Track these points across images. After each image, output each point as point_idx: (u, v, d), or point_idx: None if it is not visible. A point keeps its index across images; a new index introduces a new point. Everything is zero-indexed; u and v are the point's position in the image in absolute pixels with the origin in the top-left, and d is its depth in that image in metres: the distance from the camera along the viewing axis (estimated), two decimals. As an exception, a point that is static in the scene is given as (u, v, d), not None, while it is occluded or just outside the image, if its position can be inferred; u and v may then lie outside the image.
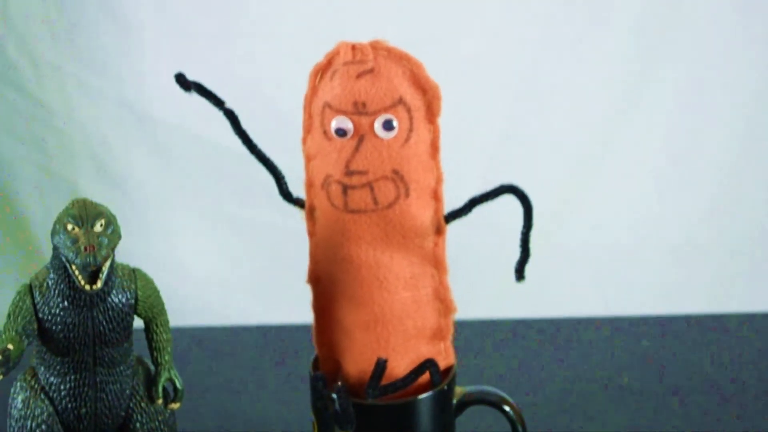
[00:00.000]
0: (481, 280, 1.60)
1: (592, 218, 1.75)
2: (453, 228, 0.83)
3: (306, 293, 0.87)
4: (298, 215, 0.87)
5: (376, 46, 0.79)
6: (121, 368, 0.83)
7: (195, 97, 0.85)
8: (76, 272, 0.77)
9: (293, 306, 1.55)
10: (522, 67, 1.71)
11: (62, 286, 0.79)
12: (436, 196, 0.81)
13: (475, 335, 1.21)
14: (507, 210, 0.86)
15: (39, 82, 1.71)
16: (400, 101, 0.78)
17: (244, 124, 0.84)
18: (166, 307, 0.84)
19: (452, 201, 0.83)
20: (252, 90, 1.64)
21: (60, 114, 1.73)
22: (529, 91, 1.72)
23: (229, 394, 1.12)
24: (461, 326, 0.86)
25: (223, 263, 1.79)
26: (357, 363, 0.83)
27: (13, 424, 0.83)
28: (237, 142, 1.58)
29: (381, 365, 0.79)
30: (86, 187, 1.76)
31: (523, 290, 0.86)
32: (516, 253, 0.81)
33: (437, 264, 0.82)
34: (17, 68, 1.70)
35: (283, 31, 1.69)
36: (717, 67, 1.72)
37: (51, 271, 0.79)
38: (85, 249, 0.76)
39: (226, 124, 0.86)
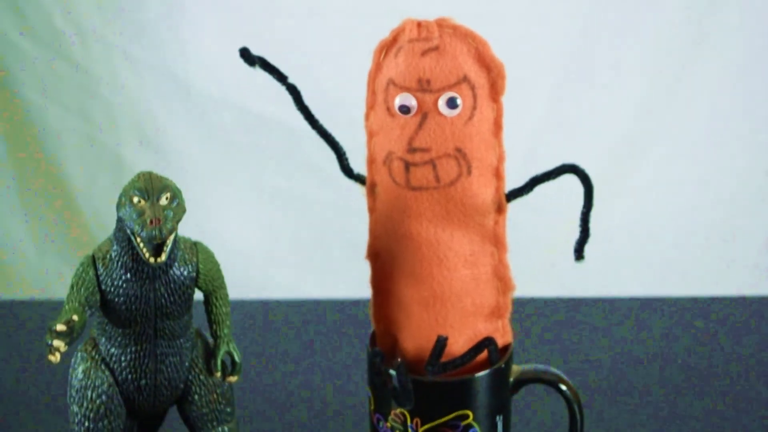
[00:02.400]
0: (536, 258, 1.60)
1: (637, 198, 1.75)
2: (511, 206, 0.84)
3: (350, 267, 0.87)
4: (341, 188, 0.87)
5: (441, 24, 0.79)
6: (181, 341, 0.83)
7: (238, 69, 0.85)
8: (141, 245, 0.77)
9: (337, 280, 1.57)
10: (565, 48, 1.71)
11: (125, 258, 0.79)
12: (498, 175, 0.81)
13: (532, 313, 1.21)
14: (562, 189, 0.87)
15: (85, 52, 1.72)
16: (465, 79, 0.78)
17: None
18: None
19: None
20: (296, 63, 1.64)
21: (105, 84, 1.74)
22: (572, 73, 1.71)
23: (283, 368, 1.12)
24: (517, 304, 0.86)
25: (266, 235, 1.79)
26: (415, 339, 0.83)
27: (74, 393, 0.84)
28: (280, 113, 1.59)
29: (441, 343, 0.80)
30: (129, 156, 1.77)
31: (578, 269, 0.86)
32: (569, 231, 0.81)
33: (497, 242, 0.83)
34: (64, 38, 1.71)
35: (330, 4, 1.69)
36: (762, 55, 1.71)
37: (114, 243, 0.80)
38: (151, 222, 0.76)
39: (269, 95, 0.87)
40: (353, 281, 1.02)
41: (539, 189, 0.82)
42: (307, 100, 0.84)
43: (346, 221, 1.61)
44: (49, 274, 1.79)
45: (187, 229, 0.86)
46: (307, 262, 1.79)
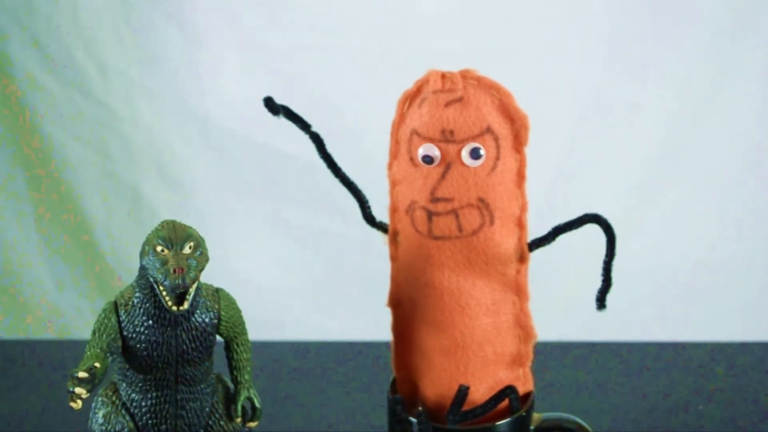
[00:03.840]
0: (555, 302, 1.60)
1: (657, 239, 1.75)
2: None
3: (371, 306, 0.87)
4: (362, 225, 0.88)
5: (465, 75, 0.79)
6: (202, 386, 0.83)
7: (257, 105, 0.85)
8: (164, 293, 0.78)
9: (357, 319, 1.57)
10: (585, 86, 1.71)
11: (148, 305, 0.79)
12: (521, 224, 0.82)
13: (551, 358, 1.20)
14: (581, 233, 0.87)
15: (105, 86, 1.73)
16: (488, 130, 0.79)
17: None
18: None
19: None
20: (316, 99, 1.65)
21: (125, 119, 1.74)
22: (592, 111, 1.71)
23: (302, 412, 1.12)
24: (539, 348, 0.86)
25: (284, 273, 1.79)
26: (435, 387, 0.83)
27: (94, 438, 0.84)
28: (299, 149, 1.60)
29: (463, 392, 0.80)
30: (148, 191, 1.77)
31: (598, 313, 0.86)
32: (585, 272, 0.81)
33: (519, 291, 0.83)
34: (85, 73, 1.72)
35: (350, 44, 1.70)
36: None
37: (137, 290, 0.80)
38: (174, 271, 0.76)
39: (288, 131, 0.87)
40: (373, 320, 1.02)
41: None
42: (327, 136, 0.84)
43: (367, 259, 1.60)
44: (68, 310, 1.79)
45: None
46: (326, 300, 1.78)
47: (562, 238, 0.85)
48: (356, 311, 1.63)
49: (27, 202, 1.78)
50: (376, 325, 1.00)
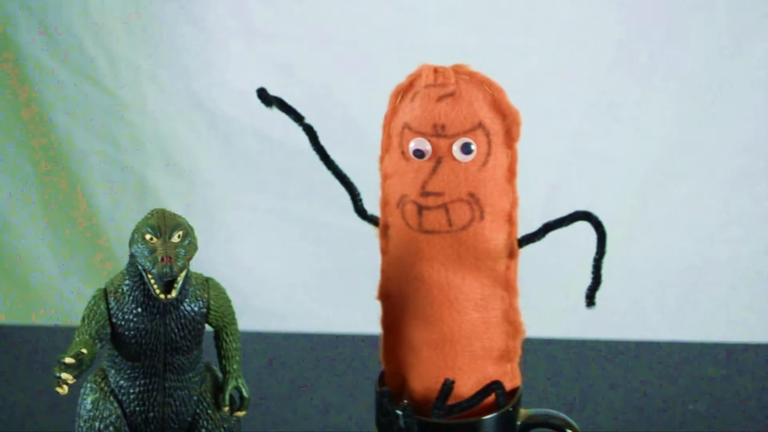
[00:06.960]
0: (547, 299, 1.60)
1: (659, 239, 1.74)
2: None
3: (369, 297, 0.88)
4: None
5: (458, 70, 0.79)
6: (190, 375, 0.84)
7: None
8: (152, 281, 0.78)
9: (360, 311, 1.57)
10: (590, 85, 1.70)
11: (137, 293, 0.80)
12: (511, 220, 0.82)
13: (541, 355, 1.20)
14: (576, 231, 0.86)
15: (113, 75, 1.73)
16: (480, 125, 0.79)
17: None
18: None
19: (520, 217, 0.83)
20: (318, 94, 1.65)
21: (133, 108, 1.75)
22: (598, 110, 1.71)
23: (293, 403, 1.13)
24: (531, 345, 0.86)
25: (288, 263, 1.79)
26: (423, 380, 0.83)
27: (82, 424, 0.84)
28: (305, 141, 1.60)
29: (448, 386, 0.80)
30: (154, 180, 1.77)
31: (589, 311, 0.86)
32: (581, 270, 0.81)
33: (508, 287, 0.83)
34: (94, 62, 1.72)
35: (355, 38, 1.70)
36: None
37: (127, 277, 0.80)
38: (162, 259, 0.76)
39: (294, 123, 0.87)
40: (375, 313, 1.02)
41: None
42: (331, 128, 0.84)
43: (371, 251, 1.60)
44: (72, 297, 1.80)
45: (210, 254, 0.86)
46: (330, 292, 1.78)
47: (556, 234, 0.85)
48: (361, 304, 1.62)
49: (34, 190, 1.79)
50: (376, 318, 1.01)
